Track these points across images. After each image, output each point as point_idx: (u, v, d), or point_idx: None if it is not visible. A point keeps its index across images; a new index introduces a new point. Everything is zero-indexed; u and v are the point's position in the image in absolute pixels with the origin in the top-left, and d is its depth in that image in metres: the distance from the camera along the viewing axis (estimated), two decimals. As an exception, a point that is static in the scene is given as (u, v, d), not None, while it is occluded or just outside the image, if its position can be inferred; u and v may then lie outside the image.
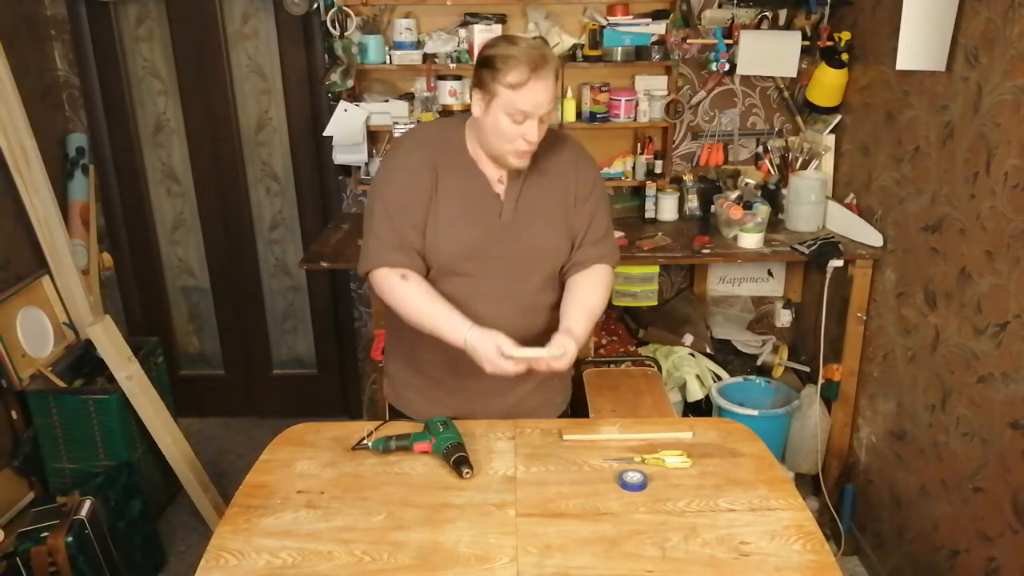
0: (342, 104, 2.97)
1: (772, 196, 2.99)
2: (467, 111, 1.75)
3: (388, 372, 1.99)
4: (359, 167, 3.13)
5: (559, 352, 1.59)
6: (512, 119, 1.58)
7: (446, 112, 3.00)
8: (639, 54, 2.98)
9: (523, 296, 1.76)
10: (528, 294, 1.76)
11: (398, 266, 1.69)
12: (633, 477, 1.56)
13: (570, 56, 2.99)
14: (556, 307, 1.79)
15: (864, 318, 2.71)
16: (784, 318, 3.31)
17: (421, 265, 1.71)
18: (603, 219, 1.81)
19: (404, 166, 1.70)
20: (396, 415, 1.95)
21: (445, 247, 1.69)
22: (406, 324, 1.73)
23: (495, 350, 1.56)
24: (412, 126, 2.95)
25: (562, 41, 2.97)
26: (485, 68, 1.58)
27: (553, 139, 1.76)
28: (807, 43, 2.89)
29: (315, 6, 2.94)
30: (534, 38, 1.58)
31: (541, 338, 1.70)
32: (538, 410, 1.88)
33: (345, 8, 2.88)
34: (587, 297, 1.75)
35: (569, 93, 3.03)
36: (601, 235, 1.80)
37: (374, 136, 3.10)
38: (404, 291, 1.68)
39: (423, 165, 1.69)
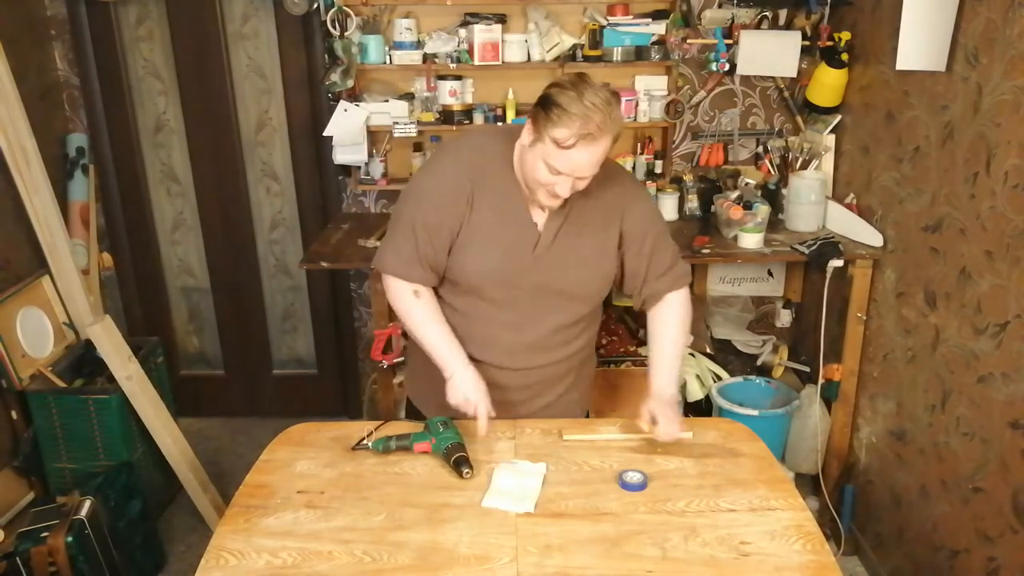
0: (342, 104, 2.97)
1: (772, 196, 2.99)
2: (474, 121, 1.74)
3: (410, 368, 1.99)
4: (359, 167, 3.13)
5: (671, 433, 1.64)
6: (549, 169, 1.53)
7: (446, 112, 3.00)
8: (639, 54, 2.98)
9: (545, 330, 1.73)
10: (551, 329, 1.74)
11: (410, 280, 1.70)
12: (633, 477, 1.56)
13: (570, 56, 2.99)
14: (582, 346, 1.82)
15: (864, 318, 2.71)
16: (784, 318, 3.31)
17: (434, 280, 1.72)
18: (666, 251, 1.77)
19: (440, 184, 1.66)
20: (413, 411, 1.94)
21: (474, 271, 1.67)
22: None
23: (471, 408, 1.65)
24: (410, 128, 2.94)
25: (562, 41, 2.97)
26: (541, 108, 1.51)
27: (604, 174, 1.67)
28: (807, 43, 2.89)
29: (315, 6, 2.94)
30: (608, 92, 1.52)
31: (555, 372, 1.78)
32: (564, 413, 1.88)
33: (345, 8, 2.88)
34: (667, 340, 1.78)
35: (569, 93, 3.03)
36: (667, 267, 1.78)
37: (374, 136, 3.10)
38: (413, 306, 1.72)
39: (460, 188, 1.63)
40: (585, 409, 2.01)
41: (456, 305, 1.74)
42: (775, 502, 1.51)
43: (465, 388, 1.66)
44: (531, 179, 1.59)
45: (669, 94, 3.04)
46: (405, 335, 1.83)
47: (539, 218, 1.67)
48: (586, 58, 2.97)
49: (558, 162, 1.51)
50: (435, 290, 1.76)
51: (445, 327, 1.71)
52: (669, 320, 1.80)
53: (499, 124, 3.01)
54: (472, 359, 1.72)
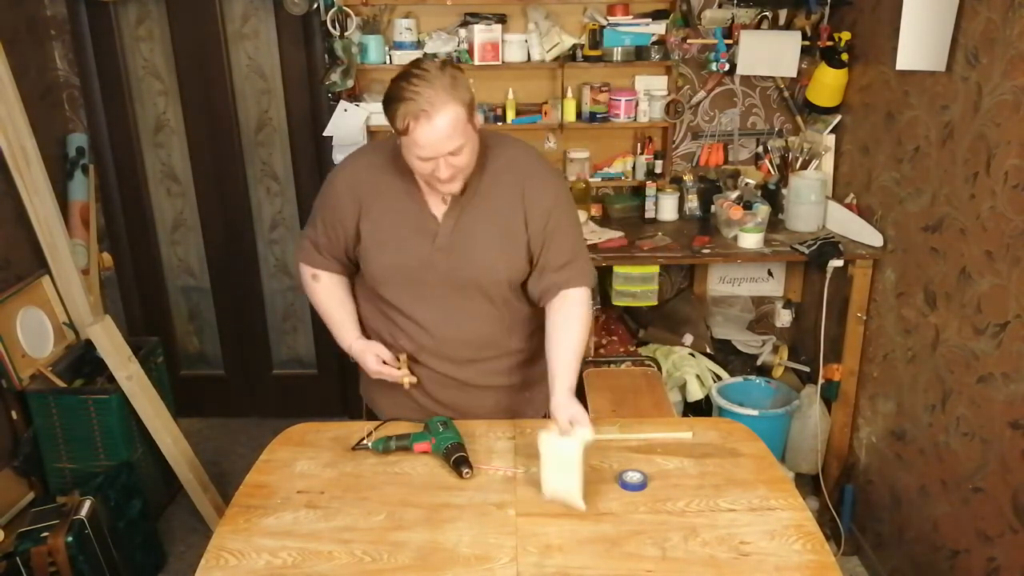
0: (342, 104, 2.97)
1: (772, 196, 2.99)
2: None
3: (362, 372, 1.99)
4: (359, 167, 3.12)
5: (570, 431, 1.52)
6: (419, 159, 1.53)
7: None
8: (639, 54, 2.98)
9: (465, 322, 1.72)
10: (469, 316, 1.72)
11: (313, 265, 1.81)
12: (633, 477, 1.56)
13: (570, 56, 2.99)
14: (520, 347, 1.81)
15: (864, 318, 2.71)
16: (784, 318, 3.31)
17: (336, 269, 1.82)
18: (565, 241, 1.70)
19: (334, 188, 1.74)
20: (372, 416, 1.95)
21: (377, 268, 1.72)
22: (368, 323, 1.84)
23: (374, 360, 1.75)
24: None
25: (562, 41, 2.97)
26: (385, 110, 1.55)
27: (502, 155, 1.67)
28: (807, 43, 2.89)
29: (315, 6, 2.94)
30: (439, 62, 1.52)
31: (493, 368, 1.80)
32: (518, 413, 1.87)
33: (345, 8, 2.88)
34: (564, 341, 1.66)
35: (569, 93, 3.03)
36: (565, 259, 1.69)
37: (374, 136, 3.10)
38: (311, 289, 1.85)
39: (348, 193, 1.71)
40: (542, 412, 1.93)
41: (382, 309, 1.80)
42: (775, 502, 1.51)
43: (366, 356, 1.77)
44: (418, 175, 1.62)
45: (669, 94, 3.04)
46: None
47: (439, 211, 1.68)
48: (586, 58, 2.97)
49: (415, 149, 1.52)
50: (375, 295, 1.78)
51: (341, 307, 1.83)
52: (568, 320, 1.68)
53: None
54: (413, 362, 1.78)
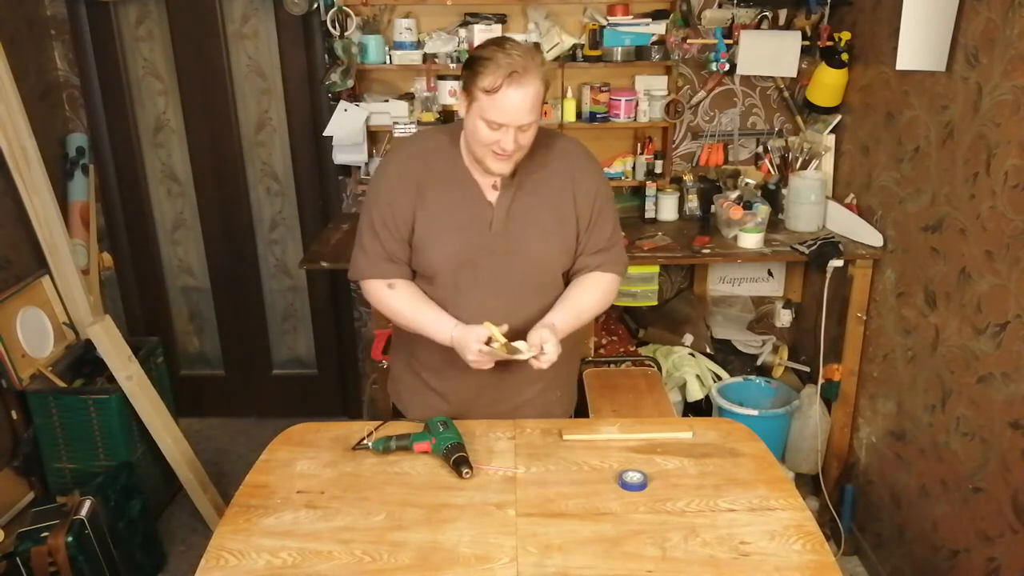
0: (342, 104, 2.97)
1: (772, 196, 2.99)
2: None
3: (391, 371, 2.01)
4: (359, 167, 3.13)
5: (536, 351, 1.60)
6: (488, 125, 1.56)
7: (446, 112, 3.00)
8: (639, 54, 2.98)
9: (514, 305, 1.73)
10: (520, 304, 1.73)
11: (385, 276, 1.73)
12: (633, 477, 1.56)
13: (570, 56, 2.99)
14: None
15: (864, 318, 2.71)
16: (784, 318, 3.31)
17: (407, 273, 1.75)
18: (606, 228, 1.77)
19: (388, 181, 1.72)
20: (398, 414, 1.95)
21: (434, 258, 1.70)
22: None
23: (475, 340, 1.60)
24: (411, 128, 2.95)
25: (562, 41, 2.97)
26: (467, 69, 1.57)
27: (552, 144, 1.73)
28: (807, 43, 2.89)
29: (315, 6, 2.94)
30: (531, 43, 1.56)
31: (529, 366, 1.73)
32: (548, 412, 1.88)
33: (345, 8, 2.88)
34: (577, 296, 1.75)
35: (569, 93, 3.03)
36: (603, 244, 1.77)
37: (374, 136, 3.10)
38: (391, 299, 1.74)
39: (407, 179, 1.69)
40: (569, 411, 1.99)
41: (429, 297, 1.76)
42: (775, 502, 1.51)
43: (467, 337, 1.61)
44: (476, 145, 1.61)
45: (669, 94, 3.04)
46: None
47: (492, 196, 1.70)
48: (586, 58, 2.97)
49: (493, 113, 1.54)
50: None
51: (428, 303, 1.73)
52: (589, 289, 1.76)
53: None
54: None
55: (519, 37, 2.95)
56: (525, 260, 1.71)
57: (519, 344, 1.63)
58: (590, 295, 1.77)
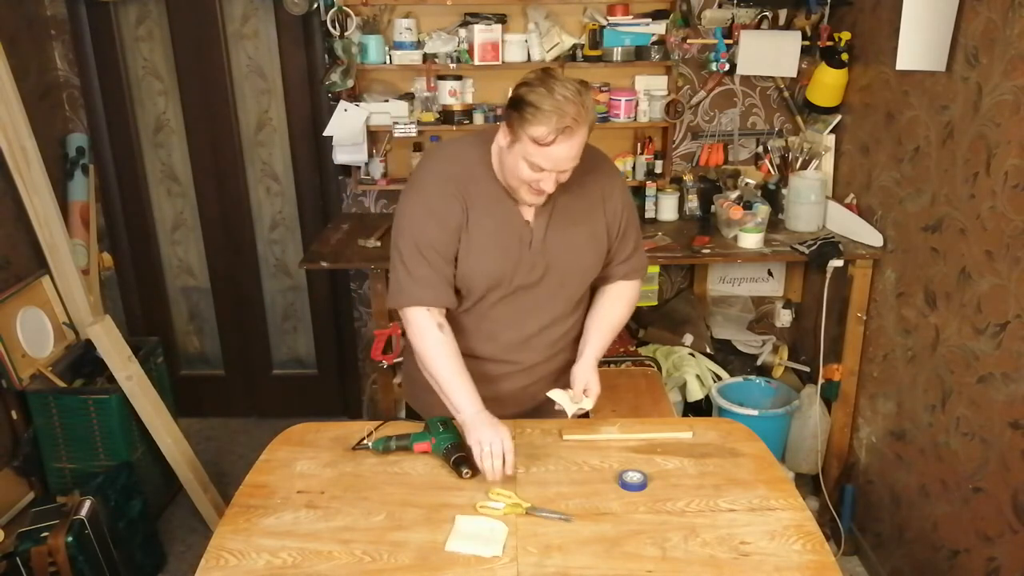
0: (342, 104, 2.97)
1: (772, 196, 2.99)
2: (475, 121, 1.73)
3: (405, 372, 2.00)
4: (359, 167, 3.13)
5: (581, 400, 1.69)
6: (531, 167, 1.54)
7: (446, 112, 3.00)
8: (639, 54, 2.98)
9: (546, 319, 1.75)
10: (552, 317, 1.75)
11: (434, 304, 1.66)
12: (633, 477, 1.56)
13: (570, 56, 2.99)
14: (578, 327, 1.82)
15: (864, 318, 2.71)
16: (784, 318, 3.31)
17: (454, 299, 1.69)
18: (632, 237, 1.81)
19: (430, 200, 1.64)
20: (413, 414, 1.94)
21: (476, 278, 1.67)
22: None
23: (499, 444, 1.53)
24: (411, 128, 2.94)
25: (562, 41, 2.97)
26: (514, 109, 1.51)
27: (583, 160, 1.66)
28: (807, 43, 2.89)
29: (315, 6, 2.94)
30: (579, 85, 1.51)
31: (548, 368, 1.79)
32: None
33: (345, 8, 2.88)
34: (608, 313, 1.80)
35: (569, 93, 3.03)
36: (628, 254, 1.81)
37: (374, 136, 3.10)
38: (437, 343, 1.65)
39: (450, 199, 1.63)
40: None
41: (457, 316, 1.74)
42: (775, 502, 1.51)
43: (483, 430, 1.55)
44: (513, 178, 1.60)
45: (669, 94, 3.04)
46: (404, 335, 1.83)
47: (528, 215, 1.69)
48: (586, 58, 2.97)
49: (539, 159, 1.52)
50: None
51: (464, 372, 1.65)
52: (618, 300, 1.83)
53: (470, 132, 2.99)
54: (470, 355, 1.71)
55: (518, 37, 2.96)
56: (561, 276, 1.72)
57: (561, 398, 1.72)
58: (620, 308, 1.82)
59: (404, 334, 1.79)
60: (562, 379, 1.82)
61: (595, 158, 1.75)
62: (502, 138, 1.58)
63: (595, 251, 1.75)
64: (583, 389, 1.71)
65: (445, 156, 1.73)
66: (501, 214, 1.66)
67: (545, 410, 1.83)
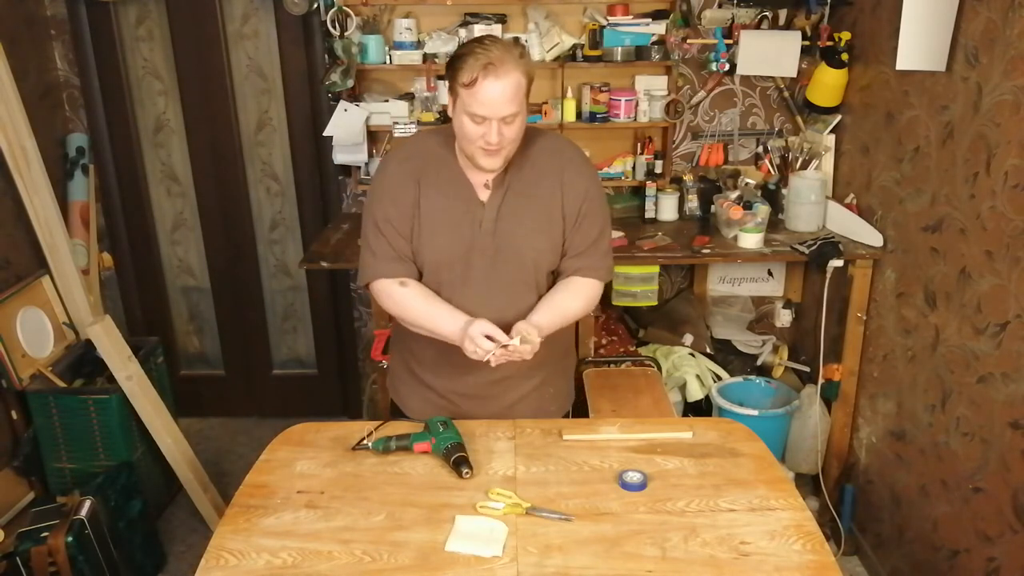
0: (342, 104, 2.97)
1: (772, 196, 2.99)
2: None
3: (390, 369, 2.02)
4: (359, 167, 3.13)
5: (519, 342, 1.60)
6: (471, 119, 1.58)
7: (446, 112, 2.99)
8: (639, 54, 2.98)
9: (503, 303, 1.74)
10: (508, 301, 1.74)
11: (395, 275, 1.73)
12: (633, 477, 1.56)
13: (570, 56, 2.99)
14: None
15: (864, 318, 2.71)
16: (784, 318, 3.31)
17: (415, 272, 1.76)
18: (591, 231, 1.76)
19: (388, 180, 1.74)
20: (397, 410, 1.95)
21: (428, 255, 1.72)
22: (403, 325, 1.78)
23: (479, 333, 1.59)
24: (411, 128, 2.96)
25: (562, 41, 2.97)
26: (449, 68, 1.60)
27: (544, 144, 1.75)
28: (807, 43, 2.89)
29: (315, 6, 2.94)
30: (511, 39, 1.57)
31: (523, 362, 1.73)
32: (541, 409, 1.89)
33: (345, 8, 2.88)
34: (560, 301, 1.75)
35: (569, 93, 3.03)
36: (586, 247, 1.76)
37: (374, 136, 3.10)
38: (402, 297, 1.74)
39: (405, 179, 1.71)
40: (565, 408, 2.00)
41: None
42: (775, 502, 1.51)
43: (477, 335, 1.59)
44: (465, 142, 1.63)
45: (669, 94, 3.04)
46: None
47: (484, 196, 1.72)
48: (586, 58, 2.97)
49: (474, 106, 1.55)
50: None
51: (441, 302, 1.72)
52: (571, 293, 1.76)
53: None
54: (439, 342, 1.73)
55: (520, 37, 2.96)
56: (513, 259, 1.72)
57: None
58: (572, 300, 1.77)
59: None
60: (529, 373, 1.82)
61: (559, 143, 1.79)
62: (450, 110, 1.64)
63: (548, 236, 1.74)
64: (524, 329, 1.62)
65: (407, 144, 1.84)
66: (455, 193, 1.71)
67: (523, 405, 1.86)
